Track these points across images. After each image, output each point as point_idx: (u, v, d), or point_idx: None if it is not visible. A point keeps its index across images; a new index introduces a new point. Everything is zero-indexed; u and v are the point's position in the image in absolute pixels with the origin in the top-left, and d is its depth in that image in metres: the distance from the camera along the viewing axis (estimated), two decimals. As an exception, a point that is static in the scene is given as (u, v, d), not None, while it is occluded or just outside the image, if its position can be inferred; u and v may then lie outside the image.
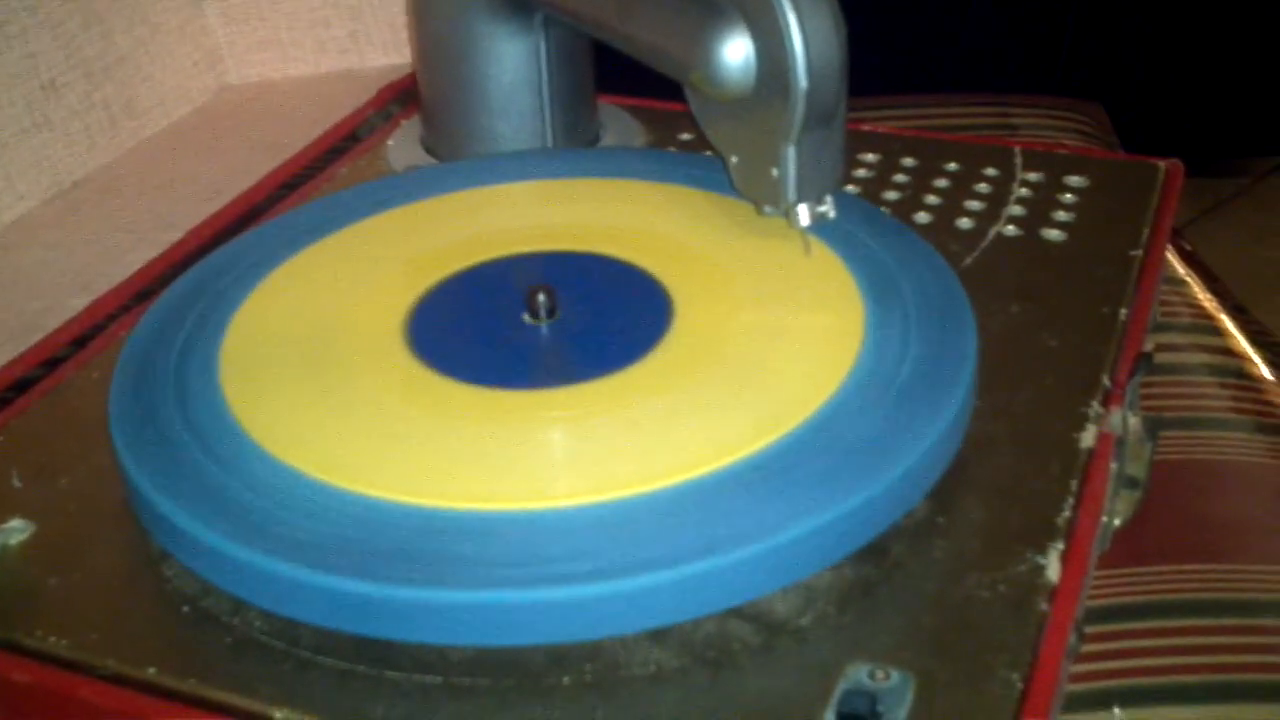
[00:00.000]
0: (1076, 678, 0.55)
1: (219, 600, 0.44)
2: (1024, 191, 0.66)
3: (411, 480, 0.45)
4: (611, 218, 0.60)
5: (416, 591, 0.41)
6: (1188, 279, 0.83)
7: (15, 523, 0.48)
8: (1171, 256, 0.84)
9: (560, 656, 0.42)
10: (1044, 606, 0.43)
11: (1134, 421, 0.53)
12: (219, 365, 0.51)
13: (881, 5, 1.57)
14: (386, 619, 0.42)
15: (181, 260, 0.63)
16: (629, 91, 0.76)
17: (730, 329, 0.52)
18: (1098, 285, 0.58)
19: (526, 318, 0.53)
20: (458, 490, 0.45)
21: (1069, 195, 0.65)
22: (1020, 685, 0.40)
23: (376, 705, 0.41)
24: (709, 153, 0.64)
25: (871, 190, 0.66)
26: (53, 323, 0.60)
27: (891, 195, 0.66)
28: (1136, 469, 0.53)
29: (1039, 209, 0.64)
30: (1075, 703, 0.54)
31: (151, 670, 0.42)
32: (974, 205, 0.64)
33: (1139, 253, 0.60)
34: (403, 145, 0.73)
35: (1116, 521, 0.52)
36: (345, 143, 0.75)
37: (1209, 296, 0.81)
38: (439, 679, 0.41)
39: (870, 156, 0.69)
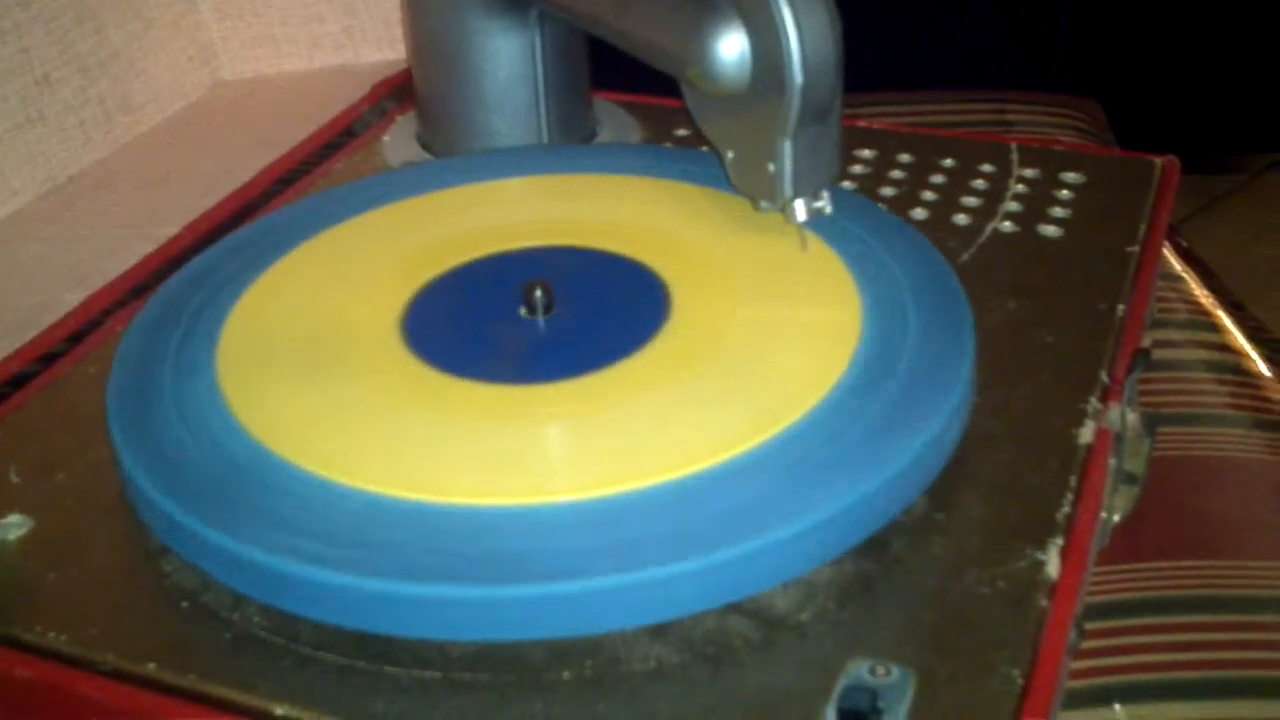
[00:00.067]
0: (1076, 674, 0.55)
1: (218, 595, 0.44)
2: (1020, 188, 0.66)
3: (409, 475, 0.45)
4: (608, 213, 0.60)
5: (415, 586, 0.41)
6: (1184, 275, 0.83)
7: (13, 518, 0.48)
8: (1168, 253, 0.84)
9: (560, 652, 0.42)
10: (1044, 603, 0.43)
11: (1132, 417, 0.53)
12: (216, 360, 0.51)
13: (877, 1, 1.57)
14: (385, 614, 0.41)
15: (177, 255, 0.63)
16: (625, 88, 0.76)
17: (728, 324, 0.52)
18: (1095, 281, 0.58)
19: (523, 313, 0.53)
20: (455, 485, 0.45)
21: (1065, 192, 0.65)
22: (1021, 681, 0.40)
23: (376, 701, 0.41)
24: (705, 148, 0.64)
25: (868, 186, 0.66)
26: (48, 318, 0.60)
27: (888, 191, 0.66)
28: (1135, 465, 0.53)
29: (1036, 205, 0.64)
30: (1075, 699, 0.54)
31: (151, 666, 0.42)
32: (971, 201, 0.64)
33: (1136, 249, 0.60)
34: (398, 141, 0.73)
35: (1115, 517, 0.52)
36: (340, 138, 0.74)
37: (1206, 293, 0.82)
38: (439, 674, 0.41)
39: (867, 153, 0.69)
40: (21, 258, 0.82)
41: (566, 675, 0.41)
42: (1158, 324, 0.75)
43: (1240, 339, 0.77)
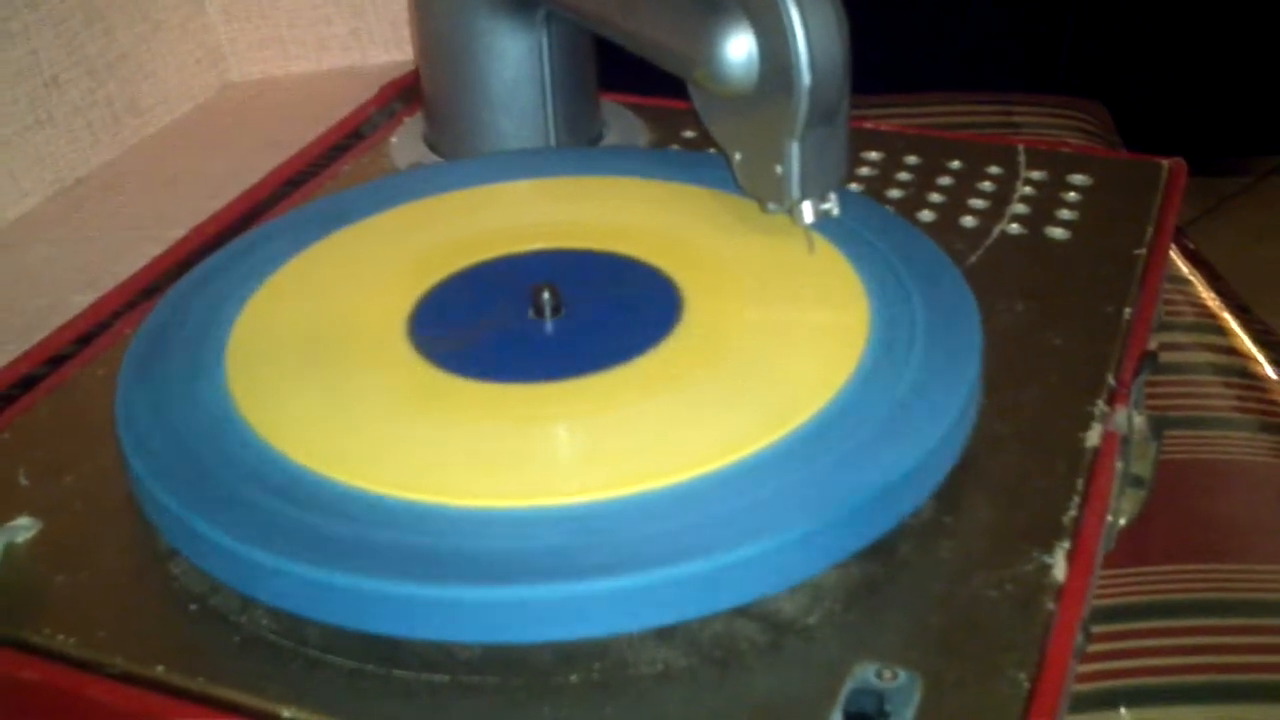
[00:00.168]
0: (1082, 678, 0.55)
1: (227, 598, 0.44)
2: (1028, 190, 0.66)
3: (418, 476, 0.45)
4: (615, 215, 0.60)
5: (423, 588, 0.41)
6: (1191, 278, 0.83)
7: (22, 520, 0.48)
8: (1175, 255, 0.84)
9: (568, 655, 0.42)
10: (1051, 606, 0.43)
11: (1139, 421, 0.53)
12: (225, 362, 0.51)
13: (883, 2, 1.57)
14: (393, 616, 0.42)
15: (185, 257, 0.63)
16: (632, 89, 0.76)
17: (736, 326, 0.52)
18: (1102, 284, 0.58)
19: (532, 315, 0.53)
20: (464, 486, 0.45)
21: (1073, 194, 0.65)
22: (1027, 685, 0.40)
23: (384, 704, 0.41)
24: (712, 150, 0.64)
25: (875, 188, 0.66)
26: (57, 320, 0.60)
27: (895, 193, 0.66)
28: (1142, 468, 0.53)
29: (1043, 207, 0.64)
30: (1081, 703, 0.54)
31: (159, 668, 0.42)
32: (978, 204, 0.64)
33: (1143, 251, 0.60)
34: (406, 142, 0.73)
35: (1122, 521, 0.52)
36: (348, 140, 0.75)
37: (1213, 295, 0.82)
38: (447, 678, 0.41)
39: (874, 155, 0.69)
40: (30, 259, 0.82)
41: (574, 678, 0.41)
42: (1164, 326, 0.75)
43: (1247, 342, 0.77)
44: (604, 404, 0.48)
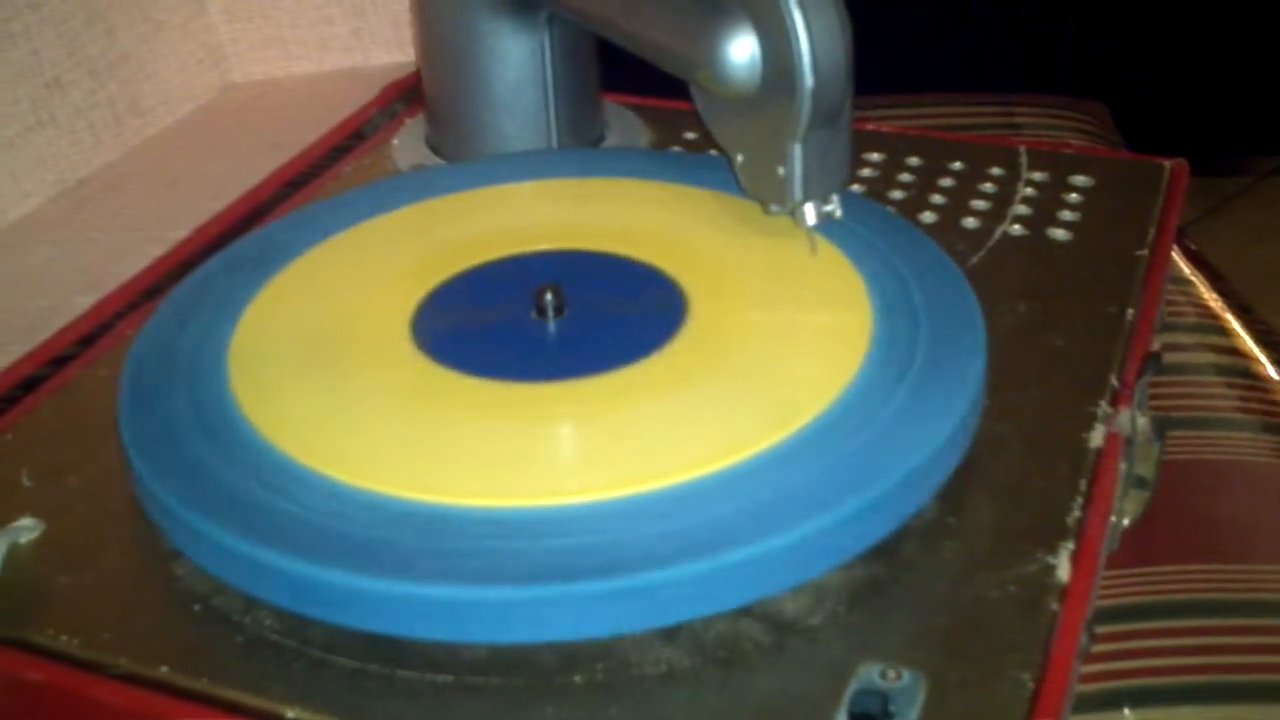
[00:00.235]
0: (1086, 678, 0.55)
1: (230, 599, 0.44)
2: (1029, 191, 0.66)
3: (422, 476, 0.45)
4: (619, 217, 0.60)
5: (427, 588, 0.41)
6: (1193, 278, 0.83)
7: (25, 521, 0.48)
8: (1177, 256, 0.84)
9: (572, 655, 0.42)
10: (1054, 606, 0.43)
11: (1142, 421, 0.53)
12: (228, 363, 0.51)
13: (883, 3, 1.57)
14: (397, 616, 0.42)
15: (188, 258, 0.63)
16: (633, 90, 0.76)
17: (738, 327, 0.52)
18: (1104, 285, 0.58)
19: (535, 315, 0.53)
20: (468, 486, 0.45)
21: (1074, 195, 0.65)
22: (1031, 685, 0.40)
23: (388, 704, 0.41)
24: (714, 151, 0.64)
25: (877, 190, 0.66)
26: (59, 321, 0.60)
27: (897, 195, 0.66)
28: (1145, 469, 0.53)
29: (1045, 208, 0.64)
30: (1085, 703, 0.54)
31: (163, 669, 0.42)
32: (980, 205, 0.64)
33: (1145, 252, 0.61)
34: (407, 143, 0.73)
35: (1125, 521, 0.52)
36: (350, 141, 0.75)
37: (1215, 296, 0.82)
38: (451, 678, 0.41)
39: (875, 156, 0.69)
40: (32, 260, 0.82)
41: (578, 679, 0.41)
42: (1166, 327, 0.75)
43: (1249, 342, 0.77)
44: (609, 405, 0.48)
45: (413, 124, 0.75)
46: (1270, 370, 0.75)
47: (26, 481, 0.50)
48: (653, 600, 0.41)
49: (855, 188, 0.66)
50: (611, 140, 0.73)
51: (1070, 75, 1.88)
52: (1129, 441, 0.51)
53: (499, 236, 0.59)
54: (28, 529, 0.47)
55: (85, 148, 0.90)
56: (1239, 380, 0.74)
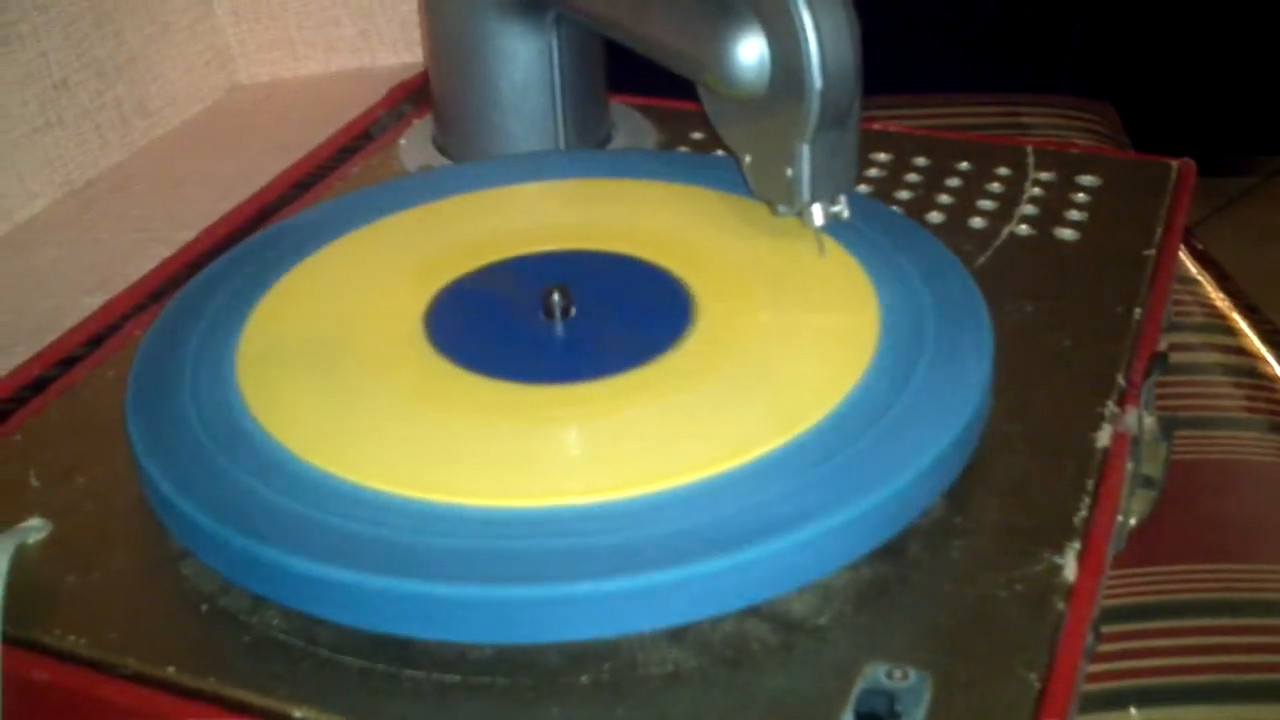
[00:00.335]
0: (1092, 678, 0.55)
1: (237, 599, 0.44)
2: (1036, 191, 0.66)
3: (431, 476, 0.45)
4: (626, 218, 0.60)
5: (433, 587, 0.41)
6: (1200, 278, 0.83)
7: (33, 521, 0.48)
8: (1183, 255, 0.84)
9: (578, 656, 0.42)
10: (1061, 606, 0.43)
11: (1149, 421, 0.53)
12: (236, 363, 0.51)
13: (890, 4, 1.57)
14: (405, 615, 0.42)
15: (195, 259, 0.63)
16: (640, 91, 0.76)
17: (746, 328, 0.52)
18: (1111, 285, 0.58)
19: (543, 316, 0.53)
20: (476, 486, 0.45)
21: (1082, 195, 0.65)
22: (1038, 685, 0.40)
23: (395, 704, 0.41)
24: (721, 152, 0.64)
25: (884, 190, 0.66)
26: (66, 322, 0.60)
27: (904, 195, 0.66)
28: (1152, 469, 0.53)
29: (1052, 208, 0.64)
30: (1091, 703, 0.54)
31: (170, 669, 0.42)
32: (987, 205, 0.64)
33: (1152, 252, 0.60)
34: (415, 144, 0.74)
35: (1132, 521, 0.52)
36: (357, 142, 0.75)
37: (1221, 295, 0.82)
38: (457, 678, 0.41)
39: (882, 156, 0.69)
40: (39, 262, 0.82)
41: (584, 679, 0.41)
42: (1173, 327, 0.75)
43: (1256, 342, 0.77)
44: (617, 405, 0.48)
45: (420, 125, 0.75)
46: (1277, 370, 0.75)
47: (34, 482, 0.50)
48: (660, 600, 0.41)
49: (862, 188, 0.66)
50: (619, 141, 0.73)
51: (1077, 75, 1.88)
52: (1136, 441, 0.51)
53: (506, 237, 0.59)
54: (36, 529, 0.47)
55: (92, 149, 0.90)
56: (1246, 380, 0.74)
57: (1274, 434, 0.70)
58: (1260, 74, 1.97)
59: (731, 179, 0.60)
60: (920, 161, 0.69)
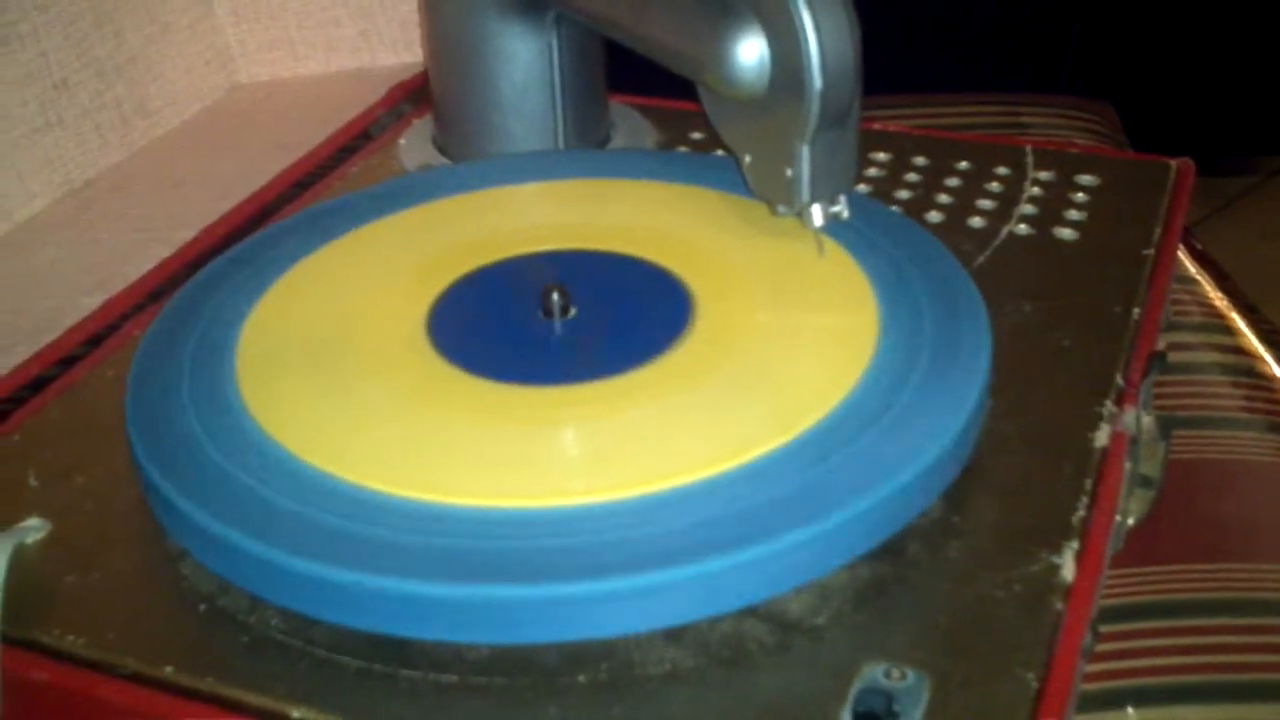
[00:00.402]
0: (1089, 677, 0.55)
1: (236, 599, 0.44)
2: (1036, 190, 0.66)
3: (430, 476, 0.45)
4: (626, 217, 0.60)
5: (433, 588, 0.41)
6: (1199, 277, 0.83)
7: (32, 521, 0.48)
8: (1182, 255, 0.84)
9: (575, 655, 0.42)
10: (1059, 606, 0.43)
11: (1147, 421, 0.53)
12: (235, 363, 0.51)
13: (890, 4, 1.57)
14: (403, 616, 0.42)
15: (194, 259, 0.63)
16: (640, 90, 0.76)
17: (745, 328, 0.52)
18: (1110, 284, 0.58)
19: (542, 315, 0.53)
20: (475, 486, 0.45)
21: (1081, 194, 0.65)
22: (1036, 685, 0.40)
23: (392, 704, 0.41)
24: (721, 152, 0.64)
25: (883, 189, 0.66)
26: (66, 322, 0.60)
27: (903, 194, 0.66)
28: (1150, 468, 0.53)
29: (1051, 208, 0.64)
30: (1089, 702, 0.54)
31: (169, 669, 0.42)
32: (986, 204, 0.64)
33: (1151, 251, 0.60)
34: (414, 144, 0.74)
35: (1130, 521, 0.52)
36: (357, 141, 0.75)
37: (1220, 295, 0.82)
38: (455, 678, 0.41)
39: (882, 155, 0.69)
40: (38, 261, 0.82)
41: (581, 679, 0.41)
42: (1172, 326, 0.75)
43: (1254, 341, 0.77)
44: (615, 406, 0.48)
45: (420, 125, 0.75)
46: (1275, 369, 0.75)
47: (33, 482, 0.50)
48: (658, 601, 0.41)
49: (861, 187, 0.66)
50: (618, 141, 0.73)
51: (1076, 75, 1.88)
52: (1134, 441, 0.51)
53: (505, 237, 0.59)
54: (34, 529, 0.47)
55: (92, 149, 0.90)
56: (1244, 379, 0.74)
57: (1272, 433, 0.70)
58: (1259, 74, 1.98)
59: (731, 179, 0.60)
60: (919, 161, 0.69)
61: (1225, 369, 0.75)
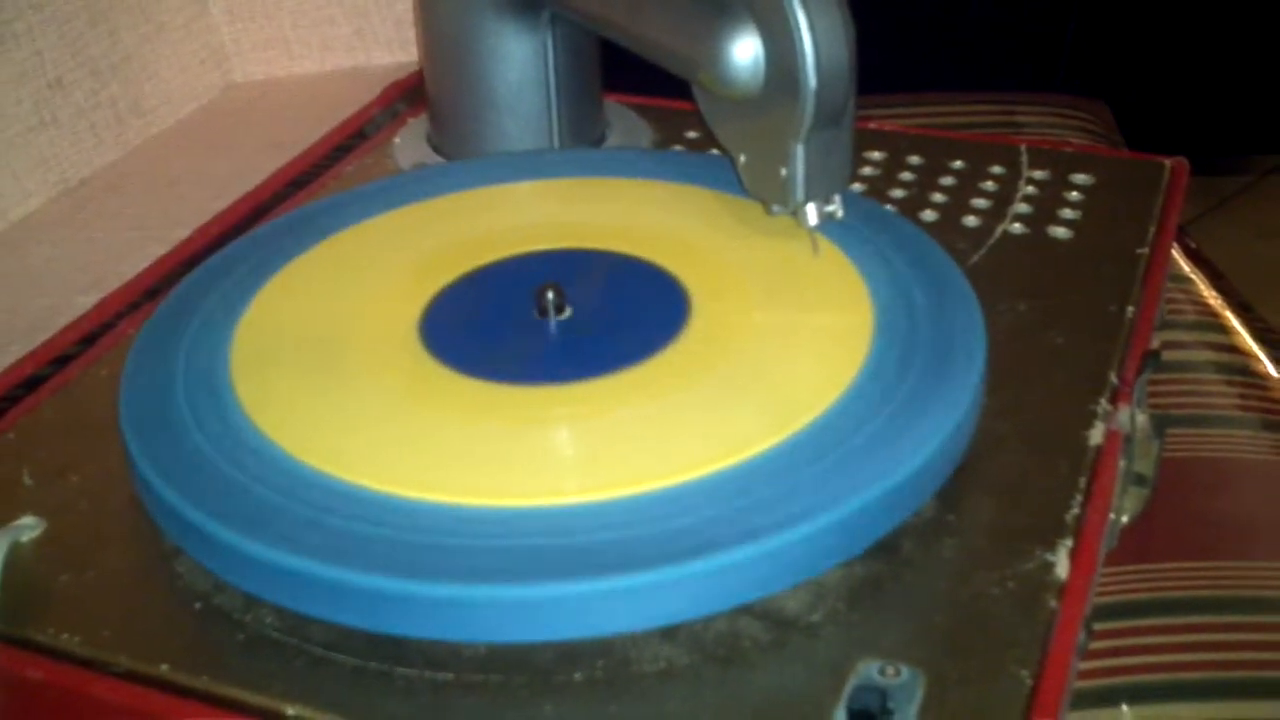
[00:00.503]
0: (1084, 675, 0.55)
1: (231, 597, 0.44)
2: (1030, 190, 0.66)
3: (425, 475, 0.45)
4: (621, 217, 0.60)
5: (427, 586, 0.41)
6: (1193, 276, 0.83)
7: (26, 520, 0.48)
8: (1177, 254, 0.84)
9: (571, 653, 0.42)
10: (1053, 604, 0.43)
11: (1142, 419, 0.53)
12: (230, 361, 0.51)
13: (885, 3, 1.57)
14: (398, 615, 0.42)
15: (189, 258, 0.63)
16: (635, 90, 0.76)
17: (740, 327, 0.52)
18: (1104, 283, 0.58)
19: (537, 314, 0.53)
20: (469, 485, 0.45)
21: (1075, 193, 0.65)
22: (1030, 682, 0.40)
23: (388, 702, 0.41)
24: (716, 151, 0.64)
25: (878, 188, 0.66)
26: (60, 321, 0.60)
27: (898, 193, 0.66)
28: (1144, 466, 0.53)
29: (1045, 207, 0.64)
30: (1083, 700, 0.54)
31: (164, 667, 0.42)
32: (980, 203, 0.65)
33: (1145, 250, 0.61)
34: (409, 143, 0.74)
35: (1124, 519, 0.53)
36: (352, 141, 0.75)
37: (1214, 294, 0.82)
38: (450, 676, 0.41)
39: (877, 155, 0.69)
40: (33, 260, 0.82)
41: (577, 676, 0.41)
42: (1166, 325, 0.75)
43: (1248, 340, 0.77)
44: (610, 405, 0.48)
45: (415, 123, 0.75)
46: (1269, 368, 0.75)
47: (28, 480, 0.50)
48: (653, 599, 0.41)
49: (856, 186, 0.66)
50: (613, 140, 0.73)
51: (1071, 74, 1.88)
52: (1128, 439, 0.51)
53: (501, 236, 0.59)
54: (29, 528, 0.47)
55: (87, 148, 0.90)
56: (1238, 378, 0.74)
57: (1266, 432, 0.70)
58: (1254, 73, 1.98)
59: (726, 178, 0.60)
60: (914, 160, 0.69)
61: (1219, 367, 0.75)
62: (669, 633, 0.42)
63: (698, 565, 0.41)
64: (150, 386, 0.50)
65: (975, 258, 0.60)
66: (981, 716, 0.39)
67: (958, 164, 0.68)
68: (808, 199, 0.55)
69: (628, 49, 0.60)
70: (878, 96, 0.92)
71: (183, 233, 0.66)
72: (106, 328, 0.59)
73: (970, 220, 0.63)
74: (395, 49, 1.04)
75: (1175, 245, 0.72)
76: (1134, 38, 1.93)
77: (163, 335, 0.53)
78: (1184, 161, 0.67)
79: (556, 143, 0.70)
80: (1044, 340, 0.55)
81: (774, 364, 0.50)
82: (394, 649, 0.42)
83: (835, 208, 0.55)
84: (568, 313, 0.53)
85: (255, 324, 0.54)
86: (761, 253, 0.57)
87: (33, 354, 0.58)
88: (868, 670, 0.40)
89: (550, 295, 0.53)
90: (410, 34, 1.02)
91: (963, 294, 0.53)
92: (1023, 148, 0.69)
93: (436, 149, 0.72)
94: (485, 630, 0.42)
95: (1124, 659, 0.57)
